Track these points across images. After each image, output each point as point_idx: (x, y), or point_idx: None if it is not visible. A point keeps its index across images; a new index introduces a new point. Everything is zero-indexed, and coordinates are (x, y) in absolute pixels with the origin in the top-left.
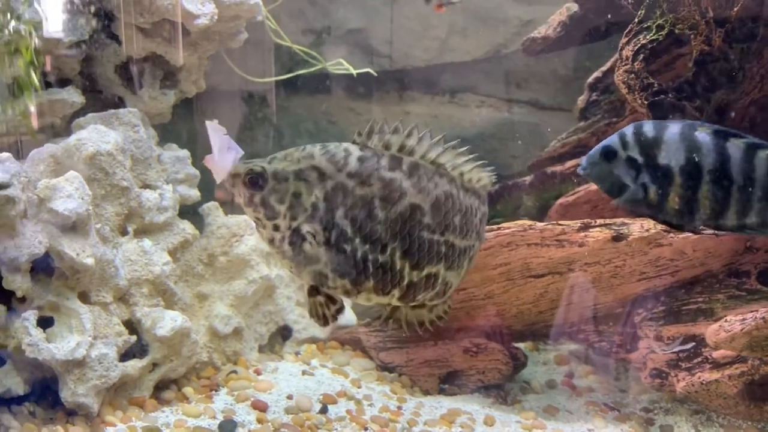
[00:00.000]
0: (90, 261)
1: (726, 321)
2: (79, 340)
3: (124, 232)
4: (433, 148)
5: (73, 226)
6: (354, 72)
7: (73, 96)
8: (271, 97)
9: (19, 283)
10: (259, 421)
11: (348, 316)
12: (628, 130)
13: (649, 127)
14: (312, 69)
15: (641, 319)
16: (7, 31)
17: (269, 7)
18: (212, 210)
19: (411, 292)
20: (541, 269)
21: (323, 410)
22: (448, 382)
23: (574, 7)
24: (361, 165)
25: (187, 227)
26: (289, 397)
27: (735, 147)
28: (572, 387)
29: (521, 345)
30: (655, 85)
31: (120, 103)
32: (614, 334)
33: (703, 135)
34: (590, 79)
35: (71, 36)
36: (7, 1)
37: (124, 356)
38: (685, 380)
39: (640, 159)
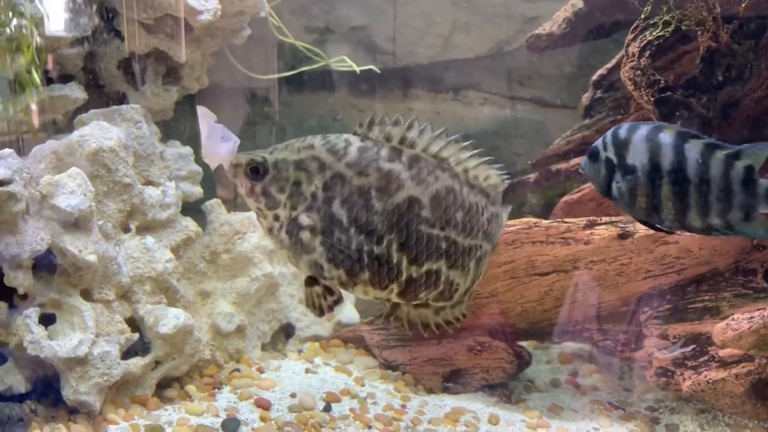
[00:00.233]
0: (92, 258)
1: (733, 319)
2: (81, 338)
3: (126, 229)
4: (434, 141)
5: (76, 223)
6: (357, 69)
7: (76, 92)
8: (274, 95)
9: (21, 280)
10: (263, 419)
11: (351, 314)
12: (609, 131)
13: (623, 129)
14: (315, 66)
15: (647, 317)
16: (8, 29)
17: (272, 3)
18: (215, 207)
19: (411, 289)
20: (546, 267)
21: (327, 408)
22: (452, 380)
23: (579, 4)
24: (360, 155)
25: (189, 224)
26: (293, 396)
27: (693, 148)
28: (576, 386)
29: (524, 343)
30: (662, 82)
31: (122, 100)
32: (619, 333)
33: (665, 136)
34: (595, 77)
35: (74, 32)
36: None
37: (127, 354)
38: (691, 379)
39: (614, 159)
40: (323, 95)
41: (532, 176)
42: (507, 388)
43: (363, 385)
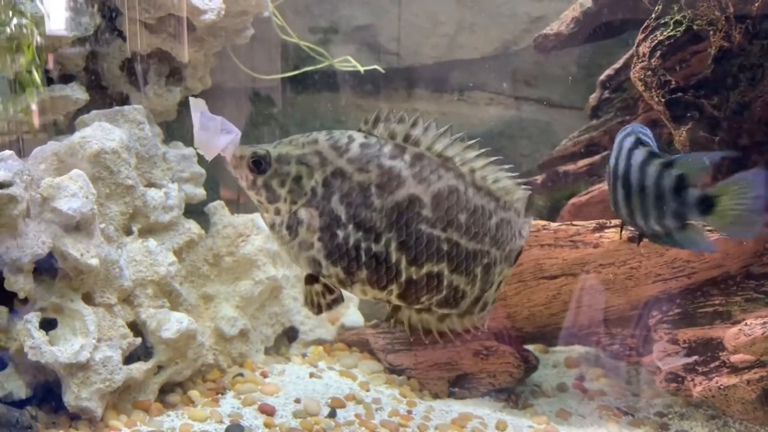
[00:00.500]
0: (94, 261)
1: (746, 325)
2: (82, 343)
3: (128, 232)
4: (439, 139)
5: (77, 226)
6: (362, 69)
7: (77, 92)
8: (277, 95)
9: (22, 284)
10: (267, 425)
11: (355, 318)
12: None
13: (620, 131)
14: (319, 66)
15: (656, 321)
16: (8, 29)
17: (276, 3)
18: (218, 209)
19: (411, 292)
20: (554, 270)
21: (332, 414)
22: (458, 385)
23: (588, 3)
24: (362, 151)
25: (192, 227)
26: (297, 401)
27: (638, 154)
28: (583, 390)
29: (531, 347)
30: (673, 82)
31: (125, 100)
32: (628, 338)
33: (627, 141)
34: (602, 77)
35: (75, 31)
36: None
37: (129, 359)
38: (702, 385)
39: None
40: (327, 96)
41: (539, 178)
42: (514, 393)
43: (368, 390)
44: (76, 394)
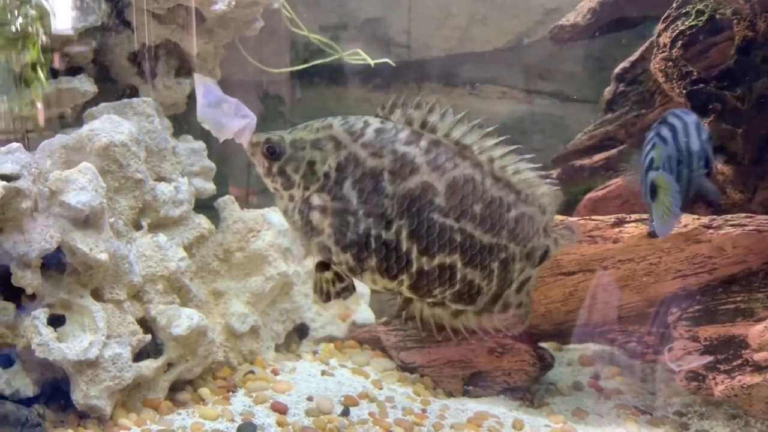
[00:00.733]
0: (104, 256)
1: None
2: (91, 340)
3: (138, 227)
4: (456, 126)
5: (86, 220)
6: (372, 62)
7: (85, 85)
8: (286, 88)
9: (29, 280)
10: (279, 424)
11: (366, 315)
12: None
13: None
14: (329, 59)
15: (675, 319)
16: (14, 27)
17: None
18: (228, 204)
19: (423, 283)
20: (571, 266)
21: (345, 413)
22: (472, 383)
23: None
24: (377, 136)
25: (202, 222)
26: (310, 399)
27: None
28: (599, 389)
29: (545, 345)
30: (694, 73)
31: (133, 93)
32: (646, 335)
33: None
34: (617, 70)
35: (83, 22)
36: None
37: (138, 356)
38: (724, 383)
39: None
40: (336, 90)
41: (554, 172)
42: (529, 392)
43: (381, 388)
44: (84, 392)
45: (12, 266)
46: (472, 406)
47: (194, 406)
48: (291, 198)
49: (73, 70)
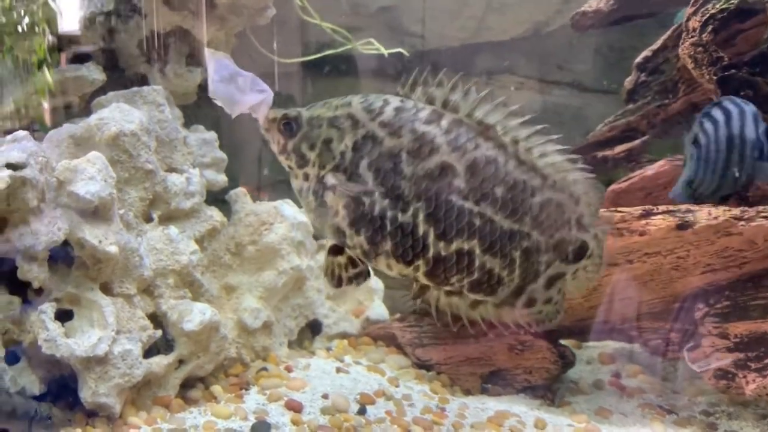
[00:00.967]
0: (113, 249)
1: None
2: (100, 335)
3: (148, 219)
4: (479, 105)
5: (95, 212)
6: (385, 52)
7: (94, 73)
8: (297, 79)
9: (36, 273)
10: (294, 422)
11: (380, 311)
12: None
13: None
14: (341, 49)
15: (703, 315)
16: (20, 27)
17: None
18: (240, 196)
19: (440, 270)
20: None
21: (361, 411)
22: (491, 381)
23: None
24: (396, 115)
25: (215, 214)
26: (325, 397)
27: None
28: (621, 387)
29: (565, 342)
30: (725, 59)
31: (143, 82)
32: (672, 331)
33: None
34: (639, 59)
35: (91, 8)
36: None
37: (148, 352)
38: (755, 382)
39: None
40: (348, 80)
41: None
42: (550, 390)
43: (397, 386)
44: (93, 390)
45: (18, 259)
46: (492, 404)
47: (206, 404)
48: (305, 177)
49: (81, 58)
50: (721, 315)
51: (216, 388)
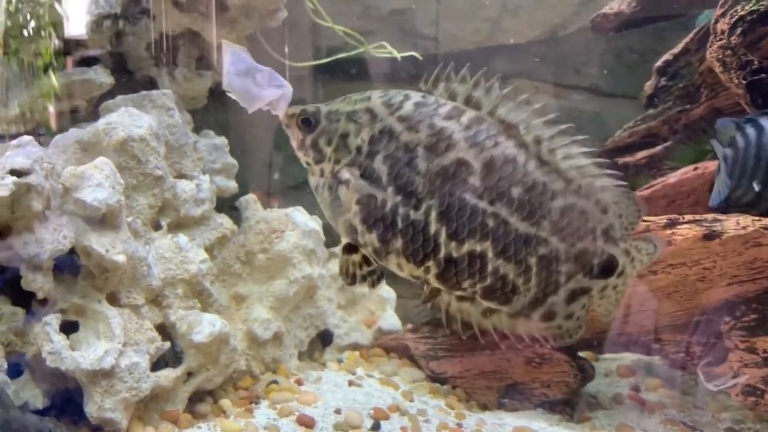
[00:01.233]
0: (121, 258)
1: None
2: (107, 348)
3: (157, 227)
4: (502, 102)
5: (103, 219)
6: (398, 56)
7: (102, 76)
8: (309, 82)
9: (41, 284)
10: None
11: (392, 321)
12: None
13: None
14: (353, 52)
15: (729, 328)
16: (26, 32)
17: None
18: (250, 203)
19: (451, 273)
20: None
21: (375, 427)
22: (508, 395)
23: None
24: (416, 110)
25: (224, 222)
26: (338, 412)
27: None
28: (641, 402)
29: (582, 354)
30: (755, 62)
31: (152, 85)
32: (696, 345)
33: None
34: (659, 63)
35: (98, 10)
36: None
37: (156, 365)
38: None
39: None
40: (360, 85)
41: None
42: (569, 405)
43: (412, 401)
44: (99, 404)
45: (22, 269)
46: (510, 420)
47: (215, 419)
48: (321, 173)
49: (88, 61)
50: (748, 329)
51: (225, 402)
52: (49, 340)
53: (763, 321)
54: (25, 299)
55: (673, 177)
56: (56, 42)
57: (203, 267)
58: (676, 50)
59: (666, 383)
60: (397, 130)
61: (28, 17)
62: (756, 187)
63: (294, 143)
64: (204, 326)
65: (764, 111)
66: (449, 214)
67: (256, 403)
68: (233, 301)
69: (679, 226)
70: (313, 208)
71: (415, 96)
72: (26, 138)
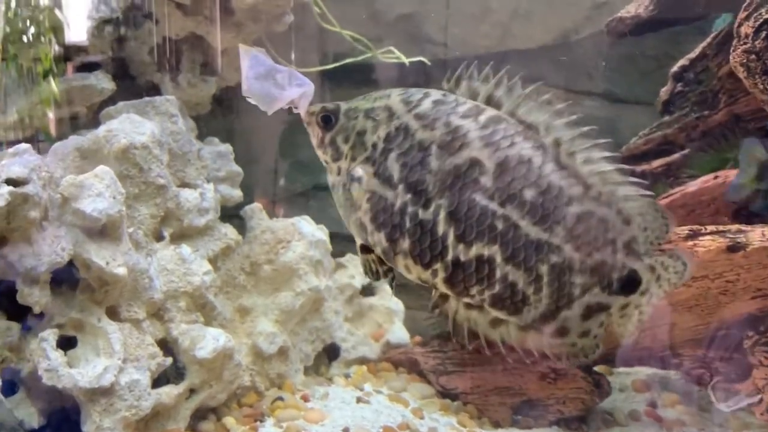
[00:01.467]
0: (122, 271)
1: None
2: (106, 364)
3: (159, 237)
4: (524, 102)
5: (103, 230)
6: (406, 61)
7: (103, 82)
8: (316, 87)
9: (37, 297)
10: None
11: (400, 334)
12: None
13: None
14: (361, 57)
15: (753, 344)
16: (25, 37)
17: None
18: (255, 212)
19: (459, 278)
20: None
21: None
22: (522, 412)
23: None
24: (434, 108)
25: (229, 232)
26: (346, 431)
27: None
28: (658, 419)
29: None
30: None
31: (155, 91)
32: (717, 361)
33: None
34: (675, 68)
35: (100, 14)
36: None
37: (157, 381)
38: None
39: None
40: (367, 90)
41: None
42: (585, 422)
43: (422, 418)
44: (97, 424)
45: (18, 282)
46: None
47: None
48: (338, 171)
49: (89, 67)
50: None
51: (229, 420)
52: (45, 357)
53: None
54: (20, 313)
55: (692, 186)
56: (56, 47)
57: (207, 279)
58: (692, 55)
59: (684, 399)
60: (413, 127)
61: (28, 23)
62: None
63: (314, 141)
64: (207, 341)
65: None
66: (458, 214)
67: (261, 421)
68: (237, 314)
69: (701, 238)
70: (320, 217)
71: (436, 94)
72: (23, 146)
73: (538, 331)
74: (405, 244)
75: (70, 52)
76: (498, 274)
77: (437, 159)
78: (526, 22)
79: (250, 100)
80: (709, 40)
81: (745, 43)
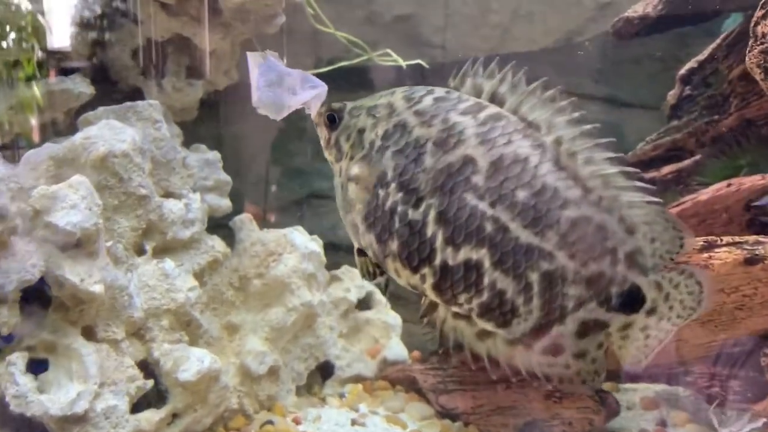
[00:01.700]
0: (98, 288)
1: None
2: (80, 390)
3: (140, 251)
4: (527, 99)
5: (78, 245)
6: (403, 64)
7: (80, 86)
8: None
9: (5, 318)
10: None
11: (398, 350)
12: None
13: None
14: (356, 60)
15: None
16: (5, 43)
17: None
18: (245, 223)
19: (447, 282)
20: None
21: None
22: None
23: None
24: (434, 104)
25: (216, 244)
26: None
27: None
28: None
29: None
30: None
31: (137, 96)
32: (731, 379)
33: None
34: (683, 71)
35: (79, 15)
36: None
37: (137, 406)
38: None
39: None
40: (362, 94)
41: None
42: None
43: None
44: None
45: None
46: None
47: None
48: (339, 172)
49: (66, 70)
50: None
51: None
52: (13, 382)
53: None
54: None
55: (704, 194)
56: (39, 53)
57: (192, 295)
58: (701, 57)
59: (694, 417)
60: (411, 124)
61: (8, 28)
62: None
63: (322, 143)
64: (191, 363)
65: None
66: (448, 215)
67: None
68: (225, 332)
69: (716, 250)
70: (314, 227)
71: (439, 91)
72: None
73: (527, 346)
74: (394, 245)
75: (48, 56)
76: (486, 280)
77: (431, 156)
78: (527, 23)
79: (260, 110)
80: (718, 41)
81: (762, 43)
